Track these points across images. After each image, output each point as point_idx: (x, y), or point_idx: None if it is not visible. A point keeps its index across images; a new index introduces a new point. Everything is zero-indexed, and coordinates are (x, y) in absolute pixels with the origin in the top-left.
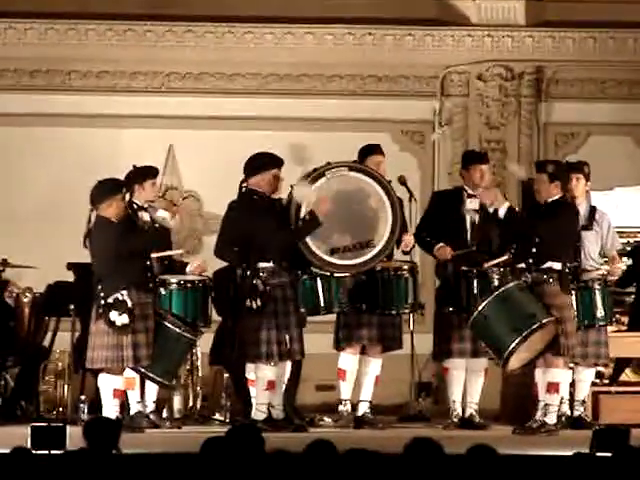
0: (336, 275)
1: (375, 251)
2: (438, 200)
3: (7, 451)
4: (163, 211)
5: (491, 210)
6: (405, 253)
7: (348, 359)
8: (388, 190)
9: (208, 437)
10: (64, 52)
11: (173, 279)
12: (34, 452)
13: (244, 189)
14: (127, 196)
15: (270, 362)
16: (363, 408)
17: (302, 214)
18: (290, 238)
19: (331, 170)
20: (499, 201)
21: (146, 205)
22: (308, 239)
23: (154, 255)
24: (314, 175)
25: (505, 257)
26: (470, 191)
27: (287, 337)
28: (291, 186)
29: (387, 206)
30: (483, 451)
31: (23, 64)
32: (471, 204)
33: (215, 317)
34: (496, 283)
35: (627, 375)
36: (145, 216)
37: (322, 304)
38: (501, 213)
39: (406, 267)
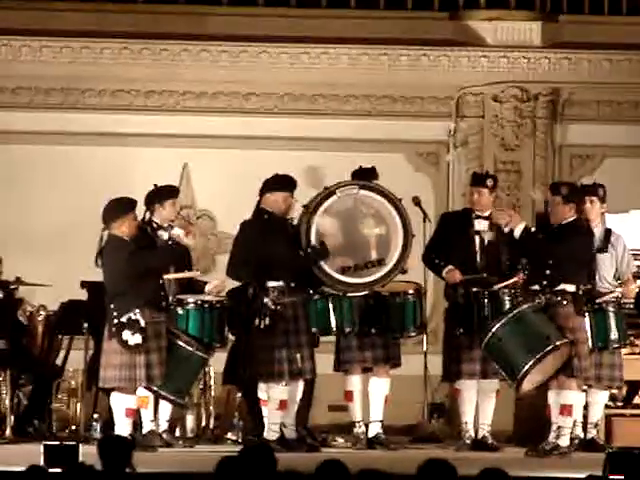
0: (348, 295)
1: (386, 269)
2: (446, 221)
3: (22, 469)
4: (178, 229)
5: (506, 230)
6: (403, 272)
7: (353, 380)
8: (399, 208)
9: (223, 456)
10: (79, 70)
11: (190, 299)
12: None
13: (257, 208)
14: (147, 215)
15: (281, 381)
16: (375, 429)
17: (312, 241)
18: (299, 260)
19: (341, 188)
20: (515, 221)
21: (165, 225)
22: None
23: (170, 276)
24: (325, 194)
25: (515, 278)
26: (478, 212)
27: (298, 356)
28: (303, 206)
29: (398, 224)
30: (495, 474)
31: (38, 82)
32: (479, 225)
33: (230, 337)
34: (507, 305)
35: None
36: (164, 235)
37: (333, 324)
38: (517, 233)
39: (412, 291)
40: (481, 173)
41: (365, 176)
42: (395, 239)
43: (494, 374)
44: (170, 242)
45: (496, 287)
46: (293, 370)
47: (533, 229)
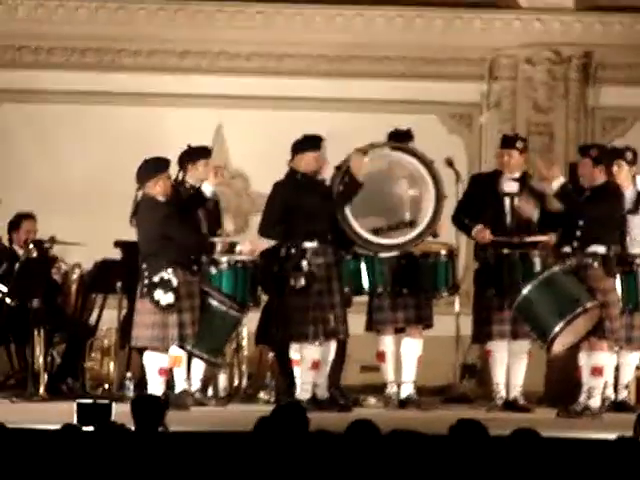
0: (380, 255)
1: (418, 230)
2: (476, 183)
3: (56, 427)
4: (207, 184)
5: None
6: (434, 236)
7: (386, 341)
8: (431, 170)
9: (259, 416)
10: (114, 31)
11: (224, 258)
12: (83, 429)
13: (289, 169)
14: (180, 175)
15: (315, 342)
16: (407, 389)
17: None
18: (334, 209)
19: (373, 150)
20: (555, 173)
21: (198, 184)
22: (351, 219)
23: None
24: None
25: (546, 237)
26: (508, 174)
27: (332, 316)
28: (335, 167)
29: (430, 185)
30: (527, 434)
31: (74, 42)
32: (509, 187)
33: (263, 297)
34: (538, 266)
35: None
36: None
37: (366, 285)
38: (555, 186)
39: (444, 251)
40: (511, 135)
41: (401, 138)
42: (427, 201)
43: (525, 335)
44: (207, 200)
45: (527, 239)
46: (327, 330)
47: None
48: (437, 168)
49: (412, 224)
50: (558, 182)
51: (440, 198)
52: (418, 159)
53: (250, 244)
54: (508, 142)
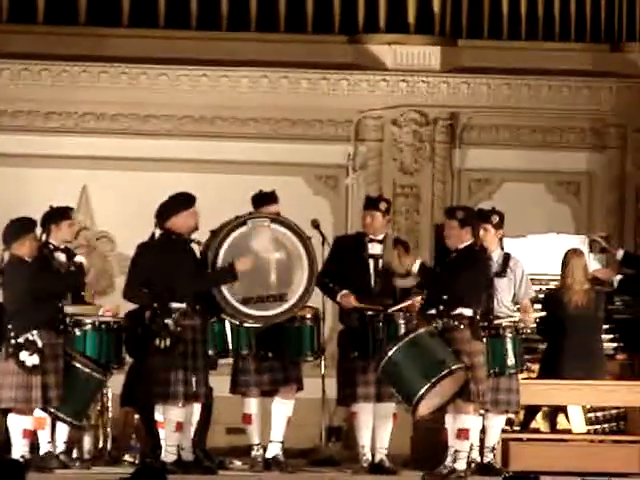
0: (245, 325)
1: (287, 305)
2: (340, 245)
3: None
4: (80, 257)
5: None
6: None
7: (251, 404)
8: (307, 246)
9: (118, 478)
10: None
11: (88, 319)
12: None
13: (160, 232)
14: (44, 236)
15: (177, 403)
16: (274, 449)
17: (219, 263)
18: (205, 285)
19: (253, 219)
20: (410, 262)
21: (62, 246)
22: (223, 288)
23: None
24: (235, 223)
25: (410, 301)
26: (372, 236)
27: (194, 379)
28: (211, 232)
29: (304, 262)
30: None
31: None
32: (373, 249)
33: (128, 359)
34: (403, 329)
35: (537, 422)
36: (61, 257)
37: (231, 347)
38: (414, 270)
39: (310, 315)
40: (375, 197)
41: (265, 200)
42: (300, 276)
43: (390, 397)
44: (70, 266)
45: (390, 310)
46: (189, 392)
47: (428, 263)
48: (312, 244)
49: (282, 298)
50: (416, 266)
51: (312, 277)
52: (294, 233)
53: (113, 309)
54: (371, 203)
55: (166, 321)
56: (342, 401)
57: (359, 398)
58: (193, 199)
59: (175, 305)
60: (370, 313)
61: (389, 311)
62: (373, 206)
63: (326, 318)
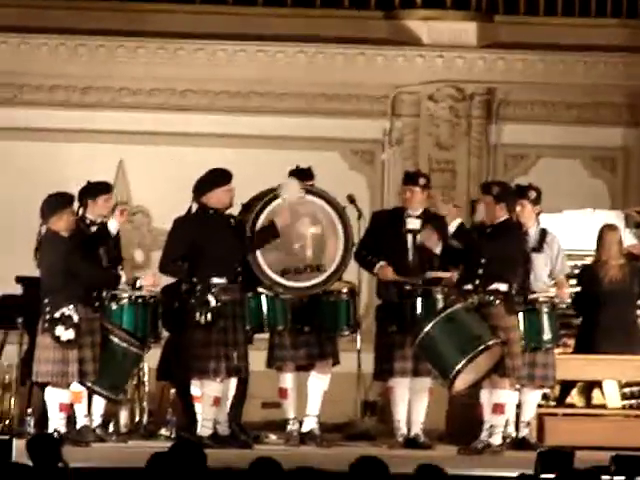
0: (282, 297)
1: (324, 276)
2: (378, 220)
3: None
4: (114, 221)
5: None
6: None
7: (287, 378)
8: (342, 216)
9: (154, 452)
10: (16, 66)
11: (124, 294)
12: None
13: (197, 207)
14: (80, 211)
15: (217, 378)
16: (310, 424)
17: (259, 224)
18: (248, 251)
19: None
20: (452, 215)
21: (99, 220)
22: (260, 258)
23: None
24: (271, 196)
25: (449, 274)
26: (410, 211)
27: (235, 354)
28: (243, 205)
29: (340, 232)
30: (431, 471)
31: None
32: (412, 224)
33: (165, 333)
34: (441, 303)
35: (573, 398)
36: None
37: (267, 322)
38: (451, 229)
39: (346, 290)
40: (414, 172)
41: (301, 176)
42: (335, 246)
43: (426, 372)
44: (109, 237)
45: (429, 276)
46: (229, 367)
47: (468, 227)
48: (348, 215)
49: (319, 268)
50: (454, 224)
51: (349, 245)
52: (330, 204)
53: (152, 277)
54: (410, 178)
55: (206, 296)
56: (379, 376)
57: (396, 373)
58: (230, 176)
59: (215, 280)
60: (408, 287)
61: (427, 276)
62: (412, 181)
63: (361, 293)
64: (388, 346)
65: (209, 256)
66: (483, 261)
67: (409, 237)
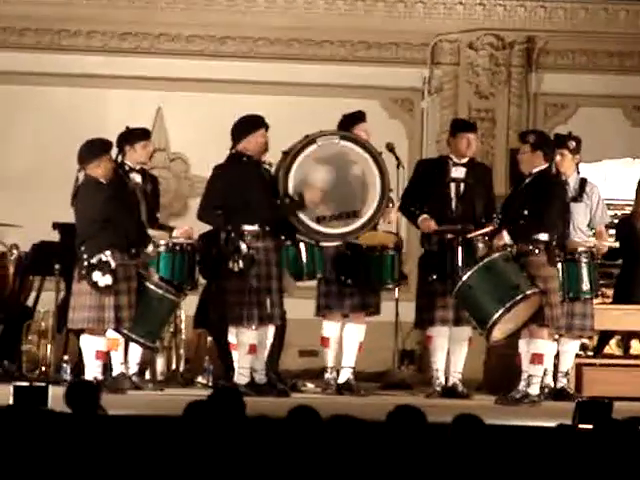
0: (320, 244)
1: (361, 222)
2: (422, 169)
3: None
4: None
5: None
6: (375, 228)
7: (331, 327)
8: (378, 161)
9: (191, 400)
10: (54, 11)
11: (162, 241)
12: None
13: (233, 152)
14: (119, 158)
15: (251, 325)
16: (346, 374)
17: (290, 190)
18: (274, 207)
19: (322, 137)
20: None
21: (137, 167)
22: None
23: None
24: (305, 142)
25: (490, 228)
26: (456, 160)
27: (268, 301)
28: (283, 152)
29: (376, 177)
30: (469, 420)
31: (12, 22)
32: (456, 172)
33: (202, 280)
34: (481, 253)
35: (611, 348)
36: (137, 178)
37: (305, 270)
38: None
39: (391, 245)
40: (468, 119)
41: (355, 119)
42: (371, 193)
43: (467, 322)
44: (145, 186)
45: (469, 236)
46: (262, 315)
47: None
48: (384, 161)
49: (355, 214)
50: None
51: (385, 192)
52: (365, 150)
53: (186, 231)
54: (470, 126)
55: (239, 243)
56: (419, 324)
57: (436, 321)
58: (262, 120)
59: (248, 227)
60: (449, 236)
61: (468, 236)
62: (472, 128)
63: (405, 242)
64: (429, 295)
65: (242, 203)
66: (522, 211)
67: (452, 186)
